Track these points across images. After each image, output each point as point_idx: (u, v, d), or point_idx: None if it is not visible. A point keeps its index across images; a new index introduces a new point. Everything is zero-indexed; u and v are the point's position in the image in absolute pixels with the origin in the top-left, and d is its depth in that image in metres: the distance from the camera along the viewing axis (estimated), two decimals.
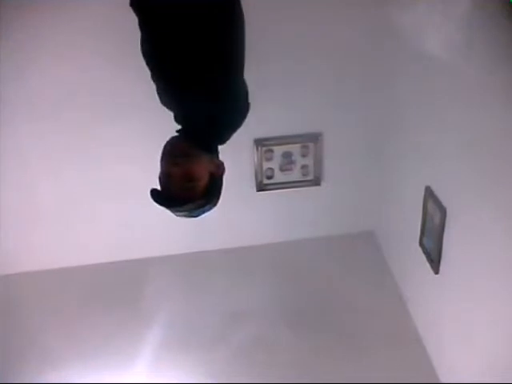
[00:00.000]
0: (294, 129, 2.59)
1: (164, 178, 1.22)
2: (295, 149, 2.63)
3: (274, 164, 2.67)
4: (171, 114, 2.47)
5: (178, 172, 1.17)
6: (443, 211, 1.93)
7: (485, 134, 1.62)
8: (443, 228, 1.95)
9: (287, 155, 2.65)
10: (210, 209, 1.24)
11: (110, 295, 2.63)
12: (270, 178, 2.70)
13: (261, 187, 2.70)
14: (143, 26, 1.13)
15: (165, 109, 2.44)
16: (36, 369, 2.29)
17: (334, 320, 2.48)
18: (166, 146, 1.26)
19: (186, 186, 1.16)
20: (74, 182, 2.60)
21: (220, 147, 2.58)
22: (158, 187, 1.29)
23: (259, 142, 2.58)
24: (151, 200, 2.95)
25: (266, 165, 2.66)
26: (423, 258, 2.15)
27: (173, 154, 1.21)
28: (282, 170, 2.68)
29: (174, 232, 2.79)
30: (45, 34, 2.20)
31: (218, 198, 1.25)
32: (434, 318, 2.19)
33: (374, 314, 2.47)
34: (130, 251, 2.79)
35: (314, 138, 2.62)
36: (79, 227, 2.73)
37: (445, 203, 1.94)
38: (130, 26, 2.23)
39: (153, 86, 2.38)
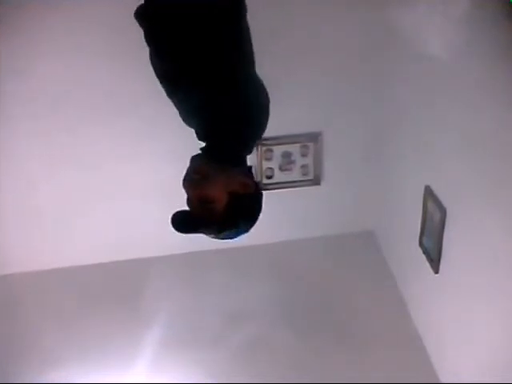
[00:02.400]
0: (293, 128, 2.59)
1: (187, 201, 1.14)
2: (295, 148, 2.63)
3: (274, 164, 2.67)
4: (170, 114, 2.49)
5: (195, 194, 1.11)
6: (443, 211, 1.93)
7: (485, 133, 1.62)
8: (443, 228, 1.95)
9: (287, 155, 2.64)
10: (245, 230, 1.15)
11: (110, 295, 2.63)
12: (269, 177, 2.70)
13: (260, 187, 2.70)
14: (152, 38, 1.07)
15: (164, 109, 2.46)
16: (36, 369, 2.29)
17: (333, 320, 2.48)
18: (187, 168, 1.17)
19: (204, 208, 1.09)
20: (74, 182, 2.60)
21: None
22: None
23: (259, 142, 2.58)
24: (151, 200, 2.95)
25: (265, 164, 2.66)
26: (423, 257, 2.15)
27: (189, 175, 1.14)
28: (281, 169, 2.68)
29: (173, 232, 2.78)
30: (44, 34, 2.20)
31: (247, 219, 1.15)
32: (434, 318, 2.19)
33: (373, 314, 2.47)
34: (130, 251, 2.79)
35: (314, 137, 2.61)
36: (79, 227, 2.72)
37: (445, 203, 1.94)
38: (128, 26, 2.24)
39: (152, 86, 2.40)
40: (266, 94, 1.15)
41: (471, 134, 1.70)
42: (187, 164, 2.81)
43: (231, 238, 1.16)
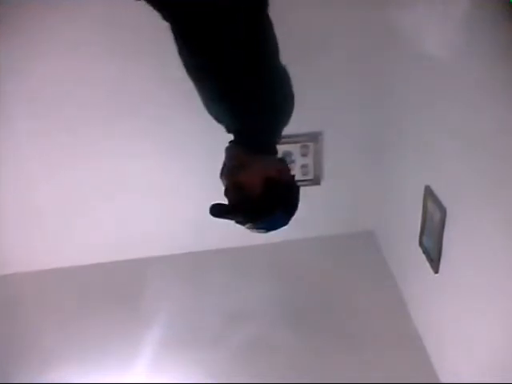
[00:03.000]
0: (293, 128, 2.56)
1: (224, 192, 1.13)
2: (295, 148, 2.63)
3: None
4: (170, 114, 2.49)
5: (231, 182, 1.10)
6: (443, 211, 1.93)
7: (485, 133, 1.62)
8: (443, 227, 1.95)
9: (287, 154, 2.64)
10: (282, 222, 1.13)
11: (110, 295, 2.63)
12: None
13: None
14: (179, 32, 1.05)
15: (164, 109, 2.46)
16: (36, 369, 2.30)
17: (333, 320, 2.48)
18: (224, 158, 1.18)
19: (241, 195, 1.08)
20: (74, 182, 2.60)
21: (220, 146, 2.60)
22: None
23: None
24: (151, 200, 2.94)
25: None
26: (423, 257, 2.15)
27: (225, 164, 1.15)
28: None
29: (173, 232, 2.79)
30: (44, 34, 2.20)
31: (284, 208, 1.12)
32: (434, 318, 2.19)
33: (373, 314, 2.47)
34: (130, 251, 2.79)
35: (314, 137, 2.61)
36: (79, 227, 2.73)
37: (445, 203, 1.94)
38: (129, 26, 2.25)
39: (152, 86, 2.40)
40: (290, 83, 1.18)
41: (471, 133, 1.70)
42: (187, 164, 2.83)
43: (268, 230, 1.14)
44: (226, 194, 1.11)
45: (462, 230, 1.84)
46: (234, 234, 2.83)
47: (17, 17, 2.09)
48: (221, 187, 2.98)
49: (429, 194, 2.05)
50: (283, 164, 1.15)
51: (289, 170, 1.15)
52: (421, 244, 2.18)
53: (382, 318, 2.45)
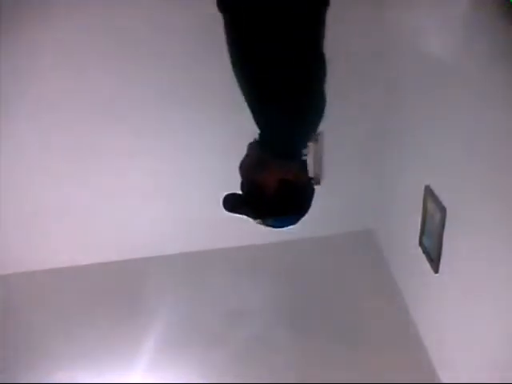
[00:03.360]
0: None
1: (240, 184, 1.16)
2: None
3: None
4: (171, 115, 2.49)
5: (248, 178, 1.13)
6: (443, 210, 1.93)
7: (485, 133, 1.62)
8: (443, 227, 1.95)
9: None
10: (291, 221, 1.16)
11: (110, 295, 2.63)
12: None
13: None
14: (230, 27, 1.02)
15: (164, 109, 2.46)
16: (36, 369, 2.29)
17: (333, 319, 2.48)
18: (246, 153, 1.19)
19: (255, 192, 1.10)
20: (74, 182, 2.60)
21: (220, 145, 2.60)
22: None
23: None
24: (151, 200, 2.94)
25: None
26: (423, 257, 2.15)
27: (246, 160, 1.16)
28: None
29: (173, 232, 2.79)
30: (44, 34, 2.20)
31: (295, 210, 1.16)
32: (434, 318, 2.19)
33: (373, 313, 2.47)
34: (130, 251, 2.79)
35: (314, 137, 2.61)
36: (79, 227, 2.73)
37: (445, 202, 1.94)
38: (129, 26, 2.25)
39: (152, 86, 2.40)
40: (325, 101, 1.17)
41: (471, 133, 1.70)
42: (187, 164, 2.83)
43: (276, 227, 1.17)
44: (242, 187, 1.14)
45: (462, 230, 1.84)
46: (233, 233, 2.85)
47: (17, 17, 2.09)
48: (220, 187, 2.99)
49: (429, 193, 2.05)
50: (302, 168, 1.16)
51: (306, 175, 1.17)
52: (421, 244, 2.18)
53: (382, 317, 2.45)
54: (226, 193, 1.09)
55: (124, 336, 2.41)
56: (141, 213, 2.73)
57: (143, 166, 2.61)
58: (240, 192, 1.14)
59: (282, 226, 1.17)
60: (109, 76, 2.35)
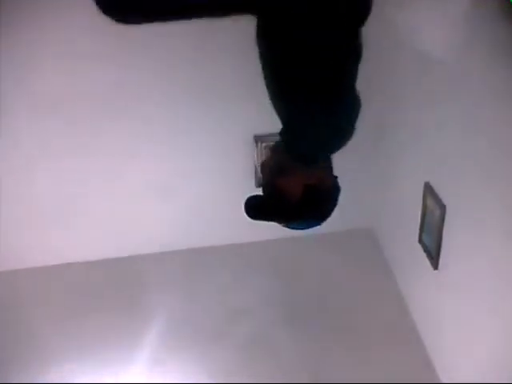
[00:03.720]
0: None
1: (262, 187, 1.13)
2: None
3: None
4: (171, 114, 2.49)
5: (271, 182, 1.10)
6: (443, 208, 1.94)
7: (485, 131, 1.63)
8: (443, 224, 1.95)
9: None
10: (316, 223, 1.14)
11: (110, 293, 2.63)
12: None
13: (260, 183, 2.70)
14: (265, 33, 0.96)
15: (165, 106, 2.46)
16: (35, 368, 2.29)
17: (332, 318, 2.48)
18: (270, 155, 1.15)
19: (278, 197, 1.08)
20: (74, 180, 2.60)
21: (219, 143, 2.60)
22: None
23: (259, 138, 2.58)
24: (151, 197, 2.94)
25: None
26: (422, 254, 2.15)
27: (269, 162, 1.12)
28: None
29: (173, 229, 2.79)
30: (44, 34, 2.20)
31: (319, 214, 1.13)
32: (434, 315, 2.20)
33: (373, 311, 2.48)
34: (129, 249, 2.79)
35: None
36: (78, 224, 2.73)
37: (444, 200, 1.95)
38: (129, 26, 2.25)
39: (152, 86, 2.40)
40: (358, 112, 1.10)
41: (471, 131, 1.71)
42: (187, 164, 2.84)
43: (301, 229, 1.16)
44: (264, 189, 1.13)
45: (462, 227, 1.85)
46: (233, 231, 2.85)
47: (17, 17, 2.09)
48: (220, 187, 3.00)
49: (428, 190, 2.06)
50: (326, 172, 1.14)
51: (330, 178, 1.15)
52: (420, 241, 2.18)
53: (382, 315, 2.45)
54: (247, 196, 1.08)
55: (124, 335, 2.41)
56: (141, 211, 2.73)
57: (143, 165, 2.61)
58: (260, 193, 1.12)
59: (307, 228, 1.15)
60: (109, 76, 2.34)
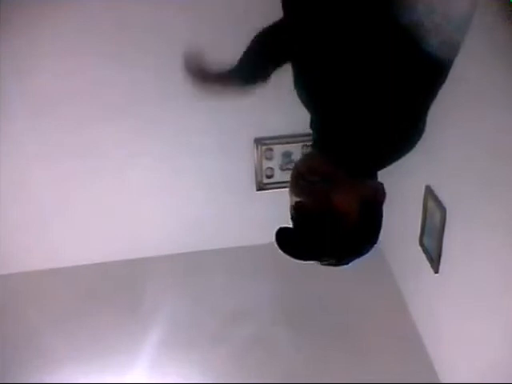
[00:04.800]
0: (294, 128, 2.59)
1: (295, 211, 0.86)
2: (295, 148, 2.63)
3: (274, 163, 2.67)
4: (171, 115, 2.49)
5: (316, 201, 0.86)
6: (443, 210, 1.93)
7: (485, 133, 1.62)
8: (443, 227, 1.95)
9: (287, 155, 2.64)
10: (368, 251, 0.86)
11: (110, 295, 2.63)
12: (269, 177, 2.70)
13: (261, 186, 2.70)
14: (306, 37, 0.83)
15: (165, 107, 2.46)
16: (36, 369, 2.29)
17: (333, 319, 2.48)
18: (296, 168, 0.91)
19: (329, 222, 0.84)
20: (74, 182, 2.60)
21: (220, 146, 2.60)
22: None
23: (259, 141, 2.58)
24: (151, 200, 2.93)
25: (265, 164, 2.66)
26: (423, 257, 2.15)
27: (307, 176, 0.88)
28: (282, 169, 2.68)
29: (173, 232, 2.79)
30: (45, 34, 2.20)
31: (377, 234, 0.87)
32: (434, 317, 2.19)
33: (373, 314, 2.47)
34: (130, 251, 2.79)
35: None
36: (79, 227, 2.73)
37: (445, 202, 1.94)
38: (129, 26, 2.25)
39: (153, 86, 2.40)
40: (420, 136, 0.98)
41: (471, 133, 1.70)
42: (187, 167, 2.81)
43: (347, 264, 0.89)
44: (297, 214, 0.86)
45: (462, 230, 1.84)
46: (233, 234, 2.84)
47: (17, 17, 2.09)
48: (220, 190, 2.96)
49: (429, 193, 2.05)
50: (378, 184, 0.93)
51: (383, 190, 0.93)
52: (421, 244, 2.18)
53: (382, 317, 2.45)
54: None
55: (124, 336, 2.41)
56: (140, 213, 2.73)
57: (143, 166, 2.61)
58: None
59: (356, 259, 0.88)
60: (109, 77, 2.34)
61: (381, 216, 0.93)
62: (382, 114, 0.83)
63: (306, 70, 0.88)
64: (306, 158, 0.94)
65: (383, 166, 0.98)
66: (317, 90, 0.86)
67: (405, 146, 0.97)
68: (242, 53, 1.15)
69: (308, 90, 0.89)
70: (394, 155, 0.97)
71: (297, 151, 2.64)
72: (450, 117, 1.84)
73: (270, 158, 2.64)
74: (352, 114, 0.84)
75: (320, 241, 0.84)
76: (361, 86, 0.80)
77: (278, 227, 0.88)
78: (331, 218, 0.84)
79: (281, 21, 0.90)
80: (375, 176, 0.97)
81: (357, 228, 0.87)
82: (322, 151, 0.89)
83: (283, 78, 2.49)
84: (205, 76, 1.04)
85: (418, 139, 0.99)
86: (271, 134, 2.57)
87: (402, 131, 0.90)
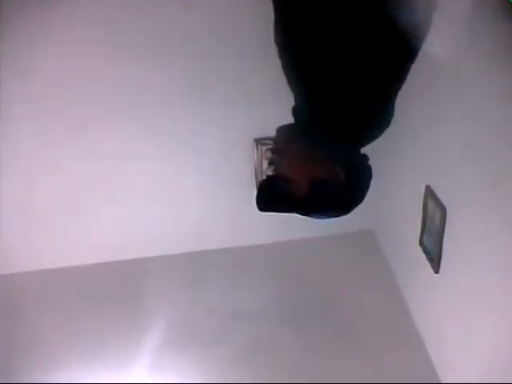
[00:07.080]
0: None
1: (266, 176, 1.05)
2: None
3: None
4: (171, 115, 2.49)
5: (274, 171, 1.04)
6: (443, 210, 1.93)
7: (485, 133, 1.62)
8: (443, 227, 1.95)
9: None
10: (331, 215, 1.07)
11: (110, 295, 2.63)
12: None
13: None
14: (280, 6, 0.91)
15: (165, 107, 2.46)
16: (36, 369, 2.29)
17: (333, 320, 2.48)
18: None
19: (286, 187, 1.01)
20: (74, 182, 2.60)
21: (220, 146, 2.60)
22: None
23: (259, 141, 2.58)
24: (151, 200, 2.93)
25: (265, 164, 2.66)
26: (423, 257, 2.15)
27: (276, 145, 1.07)
28: None
29: (174, 232, 2.79)
30: (45, 34, 2.20)
31: (333, 206, 1.05)
32: (435, 318, 2.19)
33: (373, 314, 2.47)
34: (130, 251, 2.79)
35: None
36: (79, 226, 2.73)
37: (445, 202, 1.94)
38: (129, 25, 2.25)
39: (153, 86, 2.40)
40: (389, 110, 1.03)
41: (471, 133, 1.70)
42: (187, 164, 2.82)
43: (319, 219, 1.10)
44: (274, 168, 1.05)
45: (462, 230, 1.84)
46: (234, 233, 2.84)
47: (17, 17, 2.09)
48: (220, 190, 2.99)
49: (429, 193, 2.05)
50: (337, 168, 1.02)
51: (340, 173, 1.03)
52: (421, 244, 2.18)
53: (383, 317, 2.45)
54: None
55: (124, 336, 2.41)
56: (141, 213, 2.73)
57: (143, 166, 2.61)
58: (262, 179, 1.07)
59: (324, 218, 1.10)
60: (109, 76, 2.35)
61: (334, 193, 1.04)
62: (354, 83, 0.90)
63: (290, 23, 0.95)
64: (281, 130, 1.11)
65: (346, 144, 1.02)
66: (298, 55, 0.95)
67: (372, 125, 0.99)
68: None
69: (290, 52, 0.97)
70: (358, 134, 1.00)
71: None
72: (450, 116, 1.85)
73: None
74: (324, 79, 0.92)
75: (281, 201, 1.03)
76: (336, 51, 0.87)
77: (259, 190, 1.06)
78: (284, 187, 1.01)
79: None
80: (342, 159, 1.03)
81: (306, 199, 1.02)
82: (296, 127, 1.04)
83: (283, 77, 2.49)
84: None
85: (386, 125, 1.02)
86: (271, 134, 2.56)
87: (370, 105, 0.95)
